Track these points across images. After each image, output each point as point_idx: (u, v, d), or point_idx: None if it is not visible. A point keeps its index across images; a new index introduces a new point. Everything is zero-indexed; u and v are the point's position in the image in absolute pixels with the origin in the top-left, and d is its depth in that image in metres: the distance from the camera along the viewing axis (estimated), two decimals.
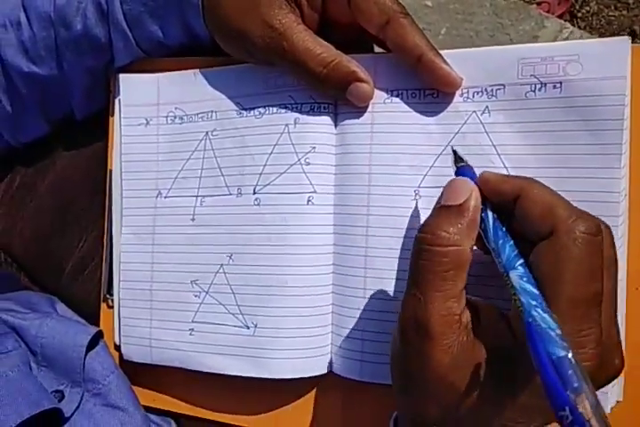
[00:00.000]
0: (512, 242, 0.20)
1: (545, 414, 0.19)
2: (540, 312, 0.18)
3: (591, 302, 0.18)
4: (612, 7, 0.88)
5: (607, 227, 0.20)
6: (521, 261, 0.19)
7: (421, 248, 0.20)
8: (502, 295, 0.23)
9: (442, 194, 0.22)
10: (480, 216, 0.21)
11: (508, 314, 0.21)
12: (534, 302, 0.18)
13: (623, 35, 0.86)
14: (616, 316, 0.20)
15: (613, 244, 0.20)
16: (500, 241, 0.20)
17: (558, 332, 0.17)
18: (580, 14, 0.90)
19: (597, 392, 0.17)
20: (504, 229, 0.20)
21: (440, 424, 0.21)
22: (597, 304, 0.19)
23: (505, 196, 0.21)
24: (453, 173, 0.23)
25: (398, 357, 0.22)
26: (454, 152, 0.24)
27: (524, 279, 0.19)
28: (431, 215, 0.21)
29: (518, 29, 0.37)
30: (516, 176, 0.22)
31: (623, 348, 0.24)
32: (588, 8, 0.89)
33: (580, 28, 0.88)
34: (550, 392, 0.16)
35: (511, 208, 0.21)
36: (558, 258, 0.19)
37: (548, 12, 0.86)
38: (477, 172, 0.25)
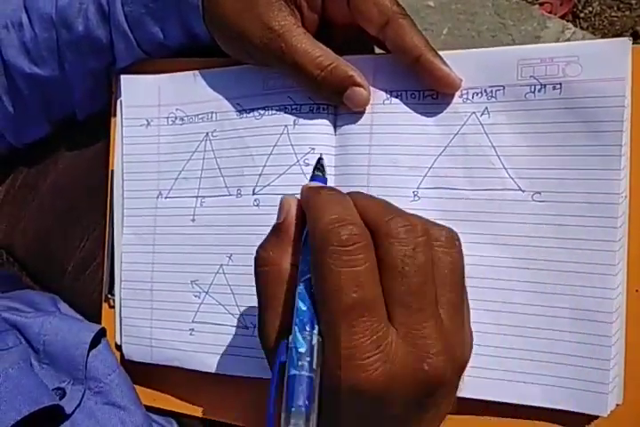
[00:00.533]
0: (310, 257, 0.20)
1: None
2: (296, 330, 0.18)
3: (354, 313, 0.18)
4: (615, 8, 0.88)
5: (445, 231, 0.20)
6: (307, 276, 0.20)
7: (255, 271, 0.21)
8: None
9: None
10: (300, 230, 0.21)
11: None
12: (297, 320, 0.19)
13: (626, 35, 0.86)
14: (451, 316, 0.20)
15: (449, 250, 0.20)
16: (301, 256, 0.20)
17: (301, 351, 0.18)
18: (582, 15, 0.89)
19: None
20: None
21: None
22: (367, 312, 0.18)
23: (305, 209, 0.21)
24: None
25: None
26: (318, 161, 0.24)
27: (300, 295, 0.19)
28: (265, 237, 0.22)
29: (520, 30, 0.37)
30: (317, 186, 0.22)
31: (622, 350, 0.24)
32: (590, 8, 0.89)
33: (582, 28, 0.87)
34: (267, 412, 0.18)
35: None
36: (315, 274, 0.19)
37: (550, 12, 0.85)
38: (478, 173, 0.26)
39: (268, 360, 0.21)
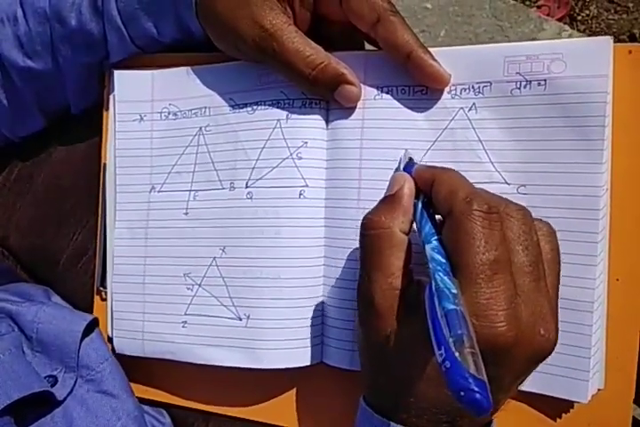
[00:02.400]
0: (431, 222, 0.22)
1: None
2: (441, 275, 0.20)
3: (492, 269, 0.20)
4: (612, 10, 0.89)
5: (519, 208, 0.22)
6: (436, 237, 0.22)
7: (362, 233, 0.23)
8: None
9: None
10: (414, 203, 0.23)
11: None
12: (439, 268, 0.20)
13: (623, 38, 0.87)
14: (546, 290, 0.21)
15: (527, 221, 0.22)
16: (423, 221, 0.22)
17: (453, 291, 0.19)
18: (579, 17, 0.90)
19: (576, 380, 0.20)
20: (429, 211, 0.23)
21: (390, 395, 0.23)
22: (501, 271, 0.20)
23: (424, 181, 0.23)
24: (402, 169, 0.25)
25: (360, 340, 0.24)
26: (406, 151, 0.26)
27: (435, 251, 0.21)
28: (375, 205, 0.24)
29: (517, 32, 0.38)
30: (438, 167, 0.24)
31: (603, 337, 0.25)
32: (587, 11, 0.90)
33: (579, 31, 0.88)
34: (434, 336, 0.18)
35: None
36: (454, 232, 0.21)
37: (547, 15, 0.87)
38: (466, 166, 0.26)
39: (361, 312, 0.23)
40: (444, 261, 0.21)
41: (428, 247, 0.21)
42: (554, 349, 0.21)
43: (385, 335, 0.22)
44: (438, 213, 0.23)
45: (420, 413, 0.22)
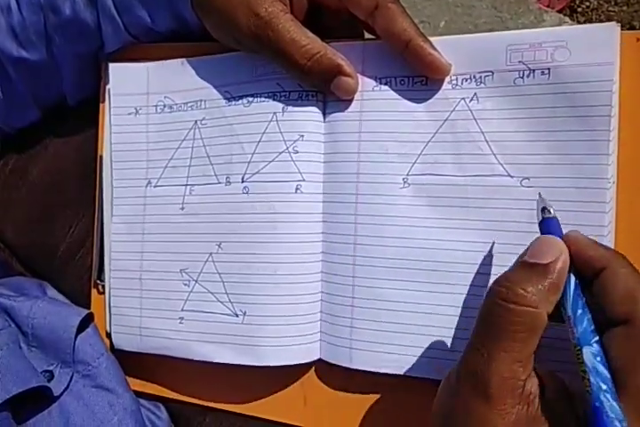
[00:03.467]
0: (590, 315, 0.19)
1: None
2: (610, 399, 0.17)
3: None
4: (612, 2, 0.88)
5: None
6: (597, 338, 0.19)
7: (495, 302, 0.19)
8: (566, 361, 0.21)
9: (527, 249, 0.20)
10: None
11: (571, 390, 0.20)
12: (604, 387, 0.17)
13: (623, 30, 0.86)
14: None
15: None
16: (579, 311, 0.19)
17: (624, 425, 0.17)
18: (579, 9, 0.89)
19: None
20: (584, 299, 0.19)
21: None
22: None
23: (590, 264, 0.20)
24: (537, 224, 0.22)
25: (446, 407, 0.21)
26: (540, 198, 0.22)
27: (598, 359, 0.18)
28: (511, 269, 0.20)
29: (517, 23, 0.37)
30: (605, 246, 0.21)
31: None
32: (587, 3, 0.89)
33: (579, 22, 0.87)
34: None
35: (591, 279, 0.20)
36: (634, 348, 0.18)
37: (547, 6, 0.85)
38: (467, 159, 0.26)
39: (462, 390, 0.20)
40: (608, 376, 0.18)
41: (587, 352, 0.18)
42: None
43: (489, 424, 0.19)
44: (603, 310, 0.19)
45: None
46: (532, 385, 0.19)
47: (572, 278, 0.19)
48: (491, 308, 0.19)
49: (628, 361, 0.18)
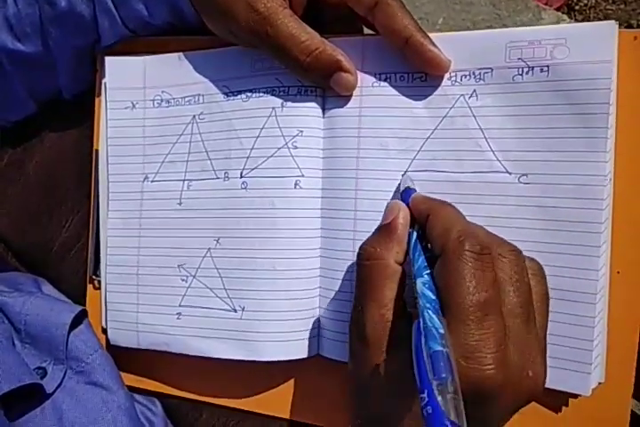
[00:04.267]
0: (425, 255, 0.22)
1: None
2: (430, 313, 0.19)
3: (483, 310, 0.19)
4: (610, 1, 0.88)
5: (511, 248, 0.22)
6: (428, 271, 0.21)
7: (357, 263, 0.23)
8: None
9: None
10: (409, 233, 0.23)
11: None
12: (428, 305, 0.20)
13: (620, 29, 0.86)
14: (535, 332, 0.21)
15: (520, 262, 0.22)
16: (417, 253, 0.22)
17: (441, 331, 0.19)
18: (577, 7, 0.89)
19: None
20: (423, 244, 0.22)
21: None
22: (491, 312, 0.20)
23: (420, 213, 0.23)
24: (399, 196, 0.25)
25: (348, 366, 0.24)
26: (405, 175, 0.26)
27: (426, 286, 0.21)
28: (370, 235, 0.24)
29: (516, 21, 0.37)
30: (435, 199, 0.24)
31: (604, 330, 0.25)
32: (585, 1, 0.89)
33: (577, 21, 0.88)
34: (419, 379, 0.18)
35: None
36: (446, 271, 0.20)
37: (546, 4, 0.85)
38: (466, 155, 0.26)
39: (352, 342, 0.23)
40: (433, 298, 0.20)
41: (419, 282, 0.21)
42: (542, 390, 0.21)
43: (372, 367, 0.21)
44: (432, 249, 0.22)
45: None
46: (404, 322, 0.21)
47: (414, 231, 0.23)
48: (357, 269, 0.23)
49: (446, 285, 0.20)
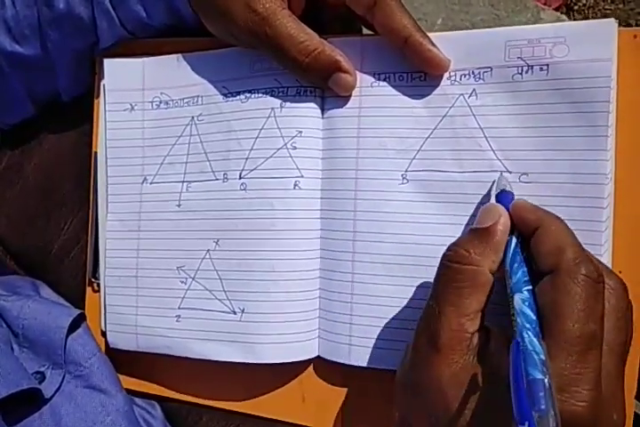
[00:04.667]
0: (526, 268, 0.21)
1: None
2: (530, 335, 0.18)
3: (588, 343, 0.19)
4: (609, 0, 0.88)
5: (620, 282, 0.21)
6: (529, 287, 0.20)
7: (443, 263, 0.22)
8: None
9: (477, 217, 0.23)
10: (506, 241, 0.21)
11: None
12: (528, 326, 0.19)
13: (619, 28, 0.87)
14: (623, 373, 0.20)
15: (625, 297, 0.21)
16: (515, 265, 0.20)
17: (542, 357, 0.18)
18: (576, 7, 0.89)
19: None
20: (523, 255, 0.21)
21: None
22: (595, 347, 0.19)
23: (527, 225, 0.21)
24: (494, 197, 0.24)
25: (407, 362, 0.22)
26: (501, 175, 0.24)
27: (526, 304, 0.19)
28: (460, 236, 0.23)
29: (514, 21, 0.37)
30: (544, 210, 0.22)
31: None
32: (584, 1, 0.89)
33: (575, 20, 0.88)
34: (517, 409, 0.17)
35: (529, 238, 0.21)
36: (558, 293, 0.19)
37: (544, 4, 0.86)
38: (466, 155, 0.26)
39: (419, 342, 0.21)
40: (534, 318, 0.19)
41: (517, 298, 0.20)
42: None
43: (436, 376, 0.20)
44: (535, 263, 0.21)
45: None
46: (477, 338, 0.20)
47: (514, 239, 0.21)
48: (440, 269, 0.22)
49: (553, 307, 0.19)
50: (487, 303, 0.21)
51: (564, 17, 0.38)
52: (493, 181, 0.25)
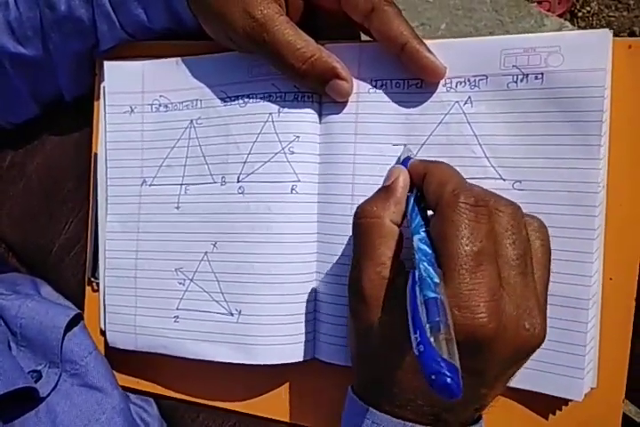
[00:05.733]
0: (421, 215, 0.23)
1: None
2: (425, 264, 0.20)
3: (477, 259, 0.20)
4: (613, 8, 0.88)
5: (537, 220, 0.23)
6: (425, 229, 0.22)
7: (354, 222, 0.23)
8: None
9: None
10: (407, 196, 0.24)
11: None
12: (424, 258, 0.20)
13: (623, 35, 0.86)
14: (535, 285, 0.22)
15: (541, 235, 0.22)
16: (414, 213, 0.23)
17: (436, 280, 0.19)
18: (580, 14, 0.89)
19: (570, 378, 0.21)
20: (421, 206, 0.23)
21: (375, 385, 0.23)
22: (485, 262, 0.20)
23: (417, 174, 0.23)
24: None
25: (349, 324, 0.24)
26: (405, 147, 0.27)
27: (422, 241, 0.21)
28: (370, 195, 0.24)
29: (518, 27, 0.37)
30: (431, 160, 0.24)
31: (597, 336, 0.25)
32: (588, 8, 0.89)
33: (579, 27, 0.87)
34: (411, 321, 0.18)
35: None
36: (441, 223, 0.21)
37: (548, 10, 0.85)
38: (461, 162, 0.26)
39: (351, 301, 0.23)
40: (429, 251, 0.21)
41: (415, 238, 0.21)
42: (540, 344, 0.21)
43: (370, 324, 0.22)
44: (429, 206, 0.23)
45: (404, 403, 0.22)
46: (400, 281, 0.22)
47: (413, 192, 0.24)
48: (353, 227, 0.23)
49: (441, 237, 0.21)
50: (400, 252, 0.22)
51: (567, 24, 0.38)
52: (400, 152, 0.26)
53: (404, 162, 0.25)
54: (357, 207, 0.24)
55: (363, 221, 0.23)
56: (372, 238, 0.22)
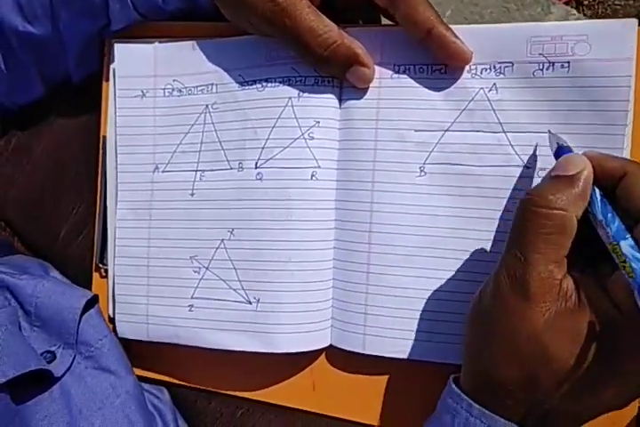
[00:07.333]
0: (618, 217, 0.21)
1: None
2: None
3: None
4: None
5: None
6: (630, 234, 0.20)
7: (526, 209, 0.21)
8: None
9: (554, 166, 0.22)
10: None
11: (608, 286, 0.21)
12: None
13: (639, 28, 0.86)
14: None
15: None
16: (609, 214, 0.20)
17: None
18: (586, 2, 0.88)
19: None
20: (610, 205, 0.21)
21: (517, 386, 0.21)
22: None
23: (610, 174, 0.21)
24: (552, 153, 0.24)
25: (484, 313, 0.22)
26: (550, 133, 0.24)
27: (635, 248, 0.20)
28: (540, 183, 0.22)
29: (524, 14, 0.37)
30: (621, 157, 0.22)
31: None
32: None
33: (585, 15, 0.87)
34: None
35: (613, 187, 0.21)
36: None
37: None
38: (484, 149, 0.26)
39: (504, 292, 0.21)
40: None
41: (624, 244, 0.20)
42: None
43: (530, 325, 0.20)
44: (626, 210, 0.21)
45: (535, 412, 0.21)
46: (567, 284, 0.20)
47: (597, 189, 0.21)
48: (523, 215, 0.21)
49: None
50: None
51: (573, 11, 0.38)
52: (548, 138, 0.24)
53: (562, 151, 0.23)
54: (531, 194, 0.21)
55: (543, 211, 0.20)
56: (550, 232, 0.20)
